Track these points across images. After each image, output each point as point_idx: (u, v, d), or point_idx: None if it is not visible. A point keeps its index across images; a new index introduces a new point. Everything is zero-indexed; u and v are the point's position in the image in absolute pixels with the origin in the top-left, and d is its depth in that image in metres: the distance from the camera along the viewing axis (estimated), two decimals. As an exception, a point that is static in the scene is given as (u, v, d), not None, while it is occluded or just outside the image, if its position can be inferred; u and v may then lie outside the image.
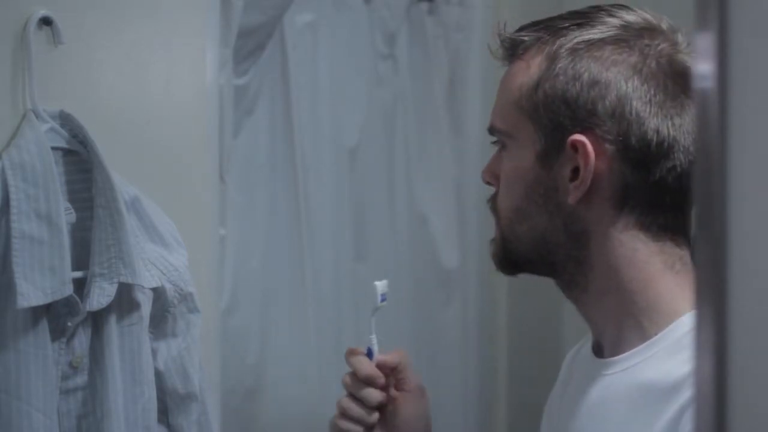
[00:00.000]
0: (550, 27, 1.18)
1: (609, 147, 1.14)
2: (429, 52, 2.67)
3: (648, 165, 1.13)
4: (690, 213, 1.17)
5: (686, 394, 1.06)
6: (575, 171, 1.14)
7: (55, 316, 1.53)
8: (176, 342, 1.68)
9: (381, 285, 1.39)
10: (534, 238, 1.18)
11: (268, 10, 2.22)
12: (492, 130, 1.22)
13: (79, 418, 1.57)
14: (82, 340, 1.56)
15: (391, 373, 1.37)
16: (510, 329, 2.90)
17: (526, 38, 1.19)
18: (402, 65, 2.61)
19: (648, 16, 1.18)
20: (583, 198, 1.14)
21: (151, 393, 1.62)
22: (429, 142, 2.70)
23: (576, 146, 1.14)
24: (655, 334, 1.14)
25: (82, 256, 1.57)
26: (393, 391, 1.37)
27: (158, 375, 1.65)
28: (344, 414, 1.36)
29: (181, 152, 1.84)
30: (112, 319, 1.57)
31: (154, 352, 1.65)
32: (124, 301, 1.59)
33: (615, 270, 1.15)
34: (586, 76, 1.14)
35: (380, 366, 1.36)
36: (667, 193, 1.14)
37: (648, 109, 1.13)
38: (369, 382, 1.35)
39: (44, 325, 1.51)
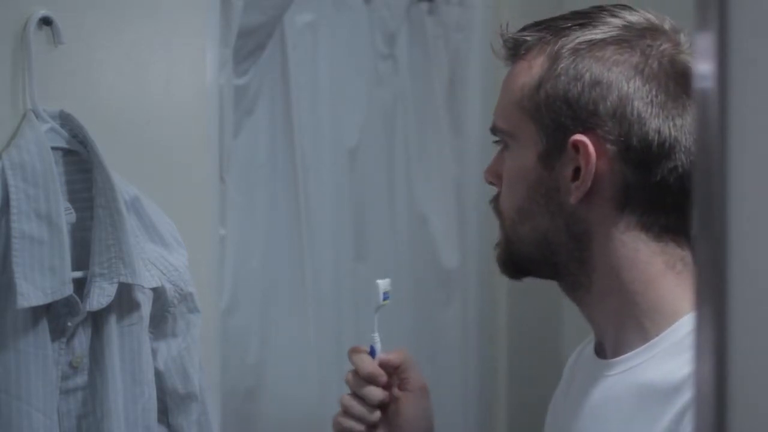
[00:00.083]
0: (552, 27, 1.18)
1: (610, 147, 1.13)
2: (429, 52, 2.67)
3: (649, 165, 1.13)
4: (691, 213, 1.17)
5: (687, 395, 1.06)
6: (576, 171, 1.14)
7: (55, 316, 1.53)
8: (176, 342, 1.68)
9: (383, 283, 1.39)
10: (536, 239, 1.18)
11: (268, 10, 2.22)
12: (494, 130, 1.22)
13: (79, 418, 1.57)
14: (82, 340, 1.56)
15: (394, 372, 1.37)
16: (510, 329, 2.90)
17: (528, 38, 1.19)
18: (402, 65, 2.60)
19: (650, 17, 1.17)
20: (584, 198, 1.14)
21: (151, 393, 1.62)
22: (429, 142, 2.69)
23: (577, 146, 1.14)
24: (657, 335, 1.14)
25: (82, 256, 1.57)
26: (396, 391, 1.37)
27: (158, 375, 1.65)
28: (346, 411, 1.36)
29: (181, 152, 1.84)
30: (112, 319, 1.57)
31: (154, 352, 1.65)
32: (124, 301, 1.59)
33: (617, 271, 1.15)
34: (587, 76, 1.14)
35: (383, 364, 1.36)
36: (668, 194, 1.14)
37: (649, 110, 1.13)
38: (370, 380, 1.35)
39: (44, 325, 1.51)
